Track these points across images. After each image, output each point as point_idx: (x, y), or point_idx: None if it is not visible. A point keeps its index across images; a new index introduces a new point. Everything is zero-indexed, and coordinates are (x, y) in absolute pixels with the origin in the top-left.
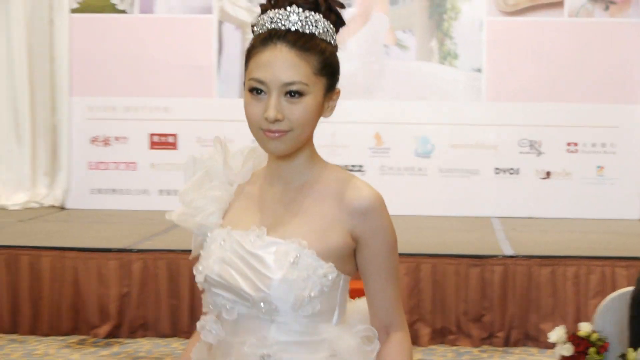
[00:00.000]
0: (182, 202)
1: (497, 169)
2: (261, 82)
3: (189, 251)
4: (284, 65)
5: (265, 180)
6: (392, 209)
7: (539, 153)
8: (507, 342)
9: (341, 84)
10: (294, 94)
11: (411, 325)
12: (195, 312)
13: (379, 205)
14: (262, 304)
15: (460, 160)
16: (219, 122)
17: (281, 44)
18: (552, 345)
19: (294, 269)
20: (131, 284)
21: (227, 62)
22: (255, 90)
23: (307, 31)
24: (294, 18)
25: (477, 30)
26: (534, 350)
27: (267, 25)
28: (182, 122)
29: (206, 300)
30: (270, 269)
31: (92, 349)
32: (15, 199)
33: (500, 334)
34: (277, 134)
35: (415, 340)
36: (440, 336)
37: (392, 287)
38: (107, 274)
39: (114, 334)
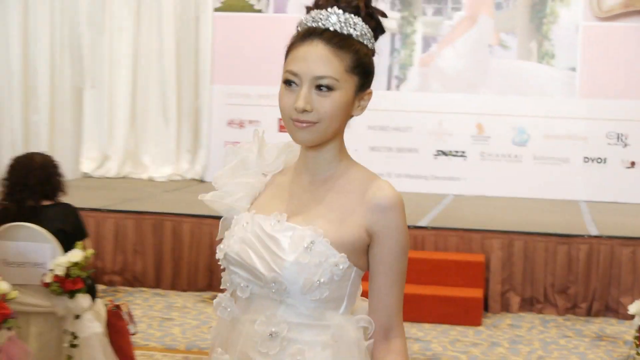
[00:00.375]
0: (215, 185)
1: (586, 158)
2: (295, 74)
3: None
4: (317, 59)
5: (295, 172)
6: (490, 191)
7: (625, 145)
8: (589, 313)
9: (450, 78)
10: (323, 87)
11: (503, 294)
12: None
13: (399, 206)
14: (273, 284)
15: (553, 149)
16: None
17: (318, 40)
18: (630, 317)
19: (307, 253)
20: None
21: None
22: (288, 82)
23: (345, 32)
24: (334, 19)
25: (573, 33)
26: (613, 320)
27: (308, 23)
28: None
29: (225, 278)
30: (285, 251)
31: None
32: (162, 172)
33: (583, 305)
34: (304, 125)
35: (506, 307)
36: (528, 305)
37: (398, 290)
38: None
39: None
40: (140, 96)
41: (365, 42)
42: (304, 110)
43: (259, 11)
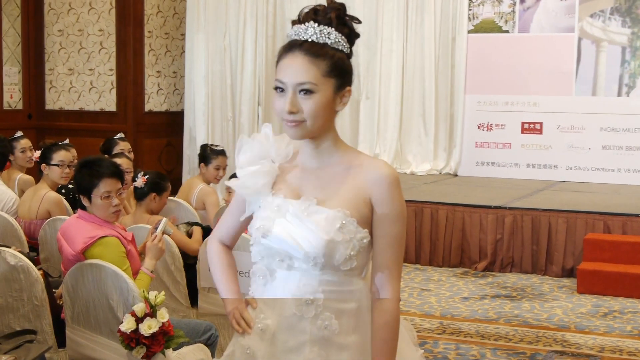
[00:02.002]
0: (240, 171)
1: None
2: (281, 82)
3: (549, 210)
4: (298, 68)
5: (302, 160)
6: None
7: None
8: None
9: None
10: (305, 91)
11: None
12: (554, 257)
13: (395, 178)
14: (312, 259)
15: None
16: (575, 114)
17: (298, 51)
18: None
19: (340, 232)
20: (503, 232)
21: (584, 68)
22: (278, 88)
23: (321, 41)
24: (311, 31)
25: None
26: None
27: (291, 37)
28: (547, 114)
29: (257, 251)
30: (321, 231)
31: (473, 279)
32: (422, 168)
33: None
34: (293, 124)
35: None
36: None
37: (393, 252)
38: (486, 224)
39: (489, 268)
40: (406, 105)
41: (340, 47)
42: (291, 112)
43: (506, 32)
